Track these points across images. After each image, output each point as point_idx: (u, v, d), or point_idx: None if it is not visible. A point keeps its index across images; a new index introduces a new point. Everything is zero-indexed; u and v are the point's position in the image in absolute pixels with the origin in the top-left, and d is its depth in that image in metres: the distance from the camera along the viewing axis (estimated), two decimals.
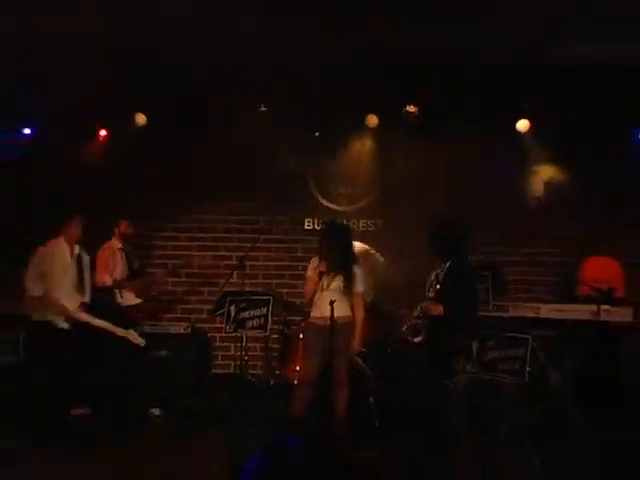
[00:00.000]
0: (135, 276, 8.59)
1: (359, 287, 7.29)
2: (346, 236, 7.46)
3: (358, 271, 7.31)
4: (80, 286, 7.89)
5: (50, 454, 6.58)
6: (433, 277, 7.30)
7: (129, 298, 8.50)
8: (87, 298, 7.97)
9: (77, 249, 7.96)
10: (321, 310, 7.22)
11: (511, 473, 6.20)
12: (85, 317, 7.71)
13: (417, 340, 7.23)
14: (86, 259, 8.04)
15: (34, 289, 7.80)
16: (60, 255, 7.84)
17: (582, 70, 8.42)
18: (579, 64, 8.39)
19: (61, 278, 7.78)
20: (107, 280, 8.32)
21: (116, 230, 8.46)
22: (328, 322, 6.98)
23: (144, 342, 7.72)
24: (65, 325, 7.66)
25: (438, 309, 7.07)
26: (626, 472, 5.76)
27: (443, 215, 7.76)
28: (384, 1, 7.17)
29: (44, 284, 7.73)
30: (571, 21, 7.41)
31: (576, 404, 7.75)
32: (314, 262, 7.34)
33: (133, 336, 7.68)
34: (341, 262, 7.24)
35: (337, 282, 7.24)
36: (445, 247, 7.23)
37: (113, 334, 7.67)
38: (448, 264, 7.19)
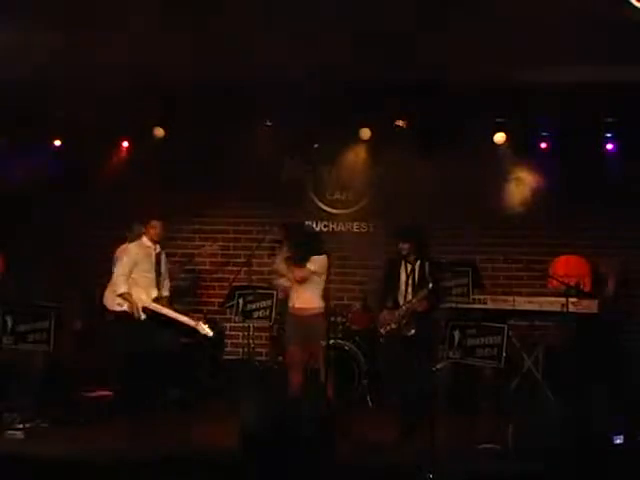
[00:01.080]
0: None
1: (309, 266, 7.59)
2: (309, 234, 8.13)
3: (319, 257, 7.61)
4: (157, 281, 8.23)
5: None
6: (406, 276, 7.69)
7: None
8: (165, 292, 8.34)
9: (158, 248, 8.26)
10: (293, 301, 7.75)
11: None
12: (159, 308, 8.05)
13: (409, 334, 7.59)
14: (164, 257, 8.36)
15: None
16: (139, 252, 8.19)
17: (556, 86, 8.68)
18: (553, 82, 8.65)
19: (139, 273, 8.14)
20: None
21: (145, 230, 8.41)
22: (301, 312, 7.57)
23: (212, 333, 7.93)
24: (142, 316, 8.03)
25: (423, 305, 7.59)
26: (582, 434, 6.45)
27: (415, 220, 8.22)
28: (378, 21, 7.30)
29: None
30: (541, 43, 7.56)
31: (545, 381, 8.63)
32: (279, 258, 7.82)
33: (202, 327, 7.86)
34: (304, 253, 7.64)
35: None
36: (418, 247, 7.73)
37: (184, 324, 7.97)
38: (419, 262, 7.68)
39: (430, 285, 7.58)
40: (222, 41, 7.77)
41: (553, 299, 9.03)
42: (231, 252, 9.70)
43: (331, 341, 7.69)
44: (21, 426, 7.40)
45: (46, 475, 6.04)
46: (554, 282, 9.15)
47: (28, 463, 6.13)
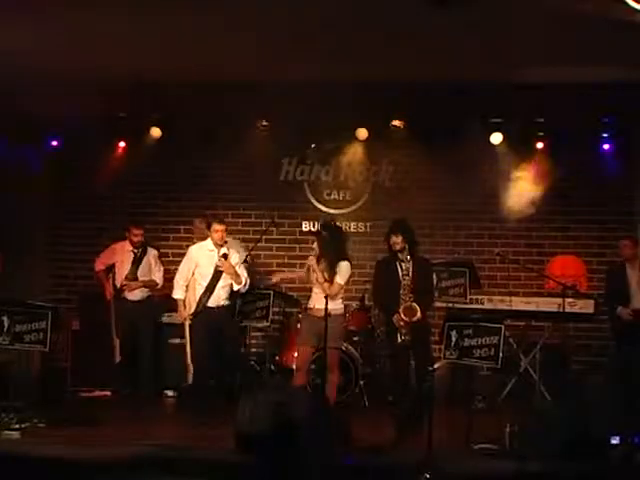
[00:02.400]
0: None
1: (338, 279, 7.55)
2: (338, 235, 7.86)
3: (344, 266, 7.59)
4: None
5: None
6: (402, 272, 7.62)
7: (135, 294, 9.10)
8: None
9: (223, 250, 8.11)
10: (313, 302, 7.68)
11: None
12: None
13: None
14: (235, 258, 8.18)
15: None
16: (199, 253, 8.17)
17: (552, 87, 8.81)
18: (550, 82, 8.74)
19: (200, 273, 8.13)
20: (97, 266, 9.27)
21: (127, 234, 9.05)
22: (320, 313, 7.42)
23: None
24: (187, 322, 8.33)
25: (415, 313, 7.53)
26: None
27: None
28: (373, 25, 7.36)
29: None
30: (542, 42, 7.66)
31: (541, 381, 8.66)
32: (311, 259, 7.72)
33: None
34: (331, 258, 7.61)
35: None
36: (411, 242, 7.70)
37: None
38: (411, 260, 7.63)
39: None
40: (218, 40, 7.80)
41: (550, 299, 9.09)
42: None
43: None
44: (18, 426, 7.36)
45: (42, 475, 6.06)
46: (551, 282, 9.21)
47: (24, 463, 6.15)
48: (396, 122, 9.70)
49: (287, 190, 10.28)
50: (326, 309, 7.32)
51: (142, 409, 8.43)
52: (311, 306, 7.72)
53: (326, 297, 7.38)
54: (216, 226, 8.13)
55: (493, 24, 7.29)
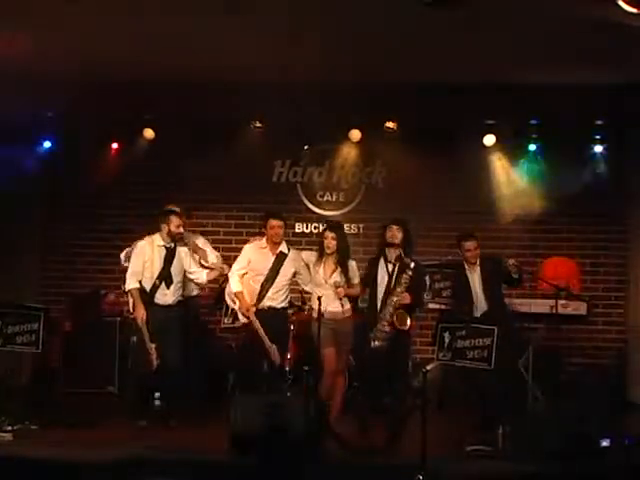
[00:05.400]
0: None
1: (354, 279, 7.58)
2: (344, 235, 7.81)
3: (355, 265, 7.63)
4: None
5: None
6: (385, 275, 7.57)
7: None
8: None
9: (279, 248, 7.86)
10: (325, 304, 7.37)
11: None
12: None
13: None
14: (291, 255, 7.90)
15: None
16: (251, 252, 7.94)
17: (546, 89, 8.70)
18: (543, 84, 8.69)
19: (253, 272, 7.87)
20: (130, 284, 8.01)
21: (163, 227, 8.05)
22: (336, 316, 7.46)
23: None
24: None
25: (406, 297, 7.48)
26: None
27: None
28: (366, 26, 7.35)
29: None
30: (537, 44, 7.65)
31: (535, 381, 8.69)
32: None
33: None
34: (344, 256, 7.56)
35: (335, 277, 7.53)
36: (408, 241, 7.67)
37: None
38: (399, 261, 7.51)
39: (412, 265, 7.46)
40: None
41: (543, 301, 9.17)
42: (222, 253, 9.42)
43: None
44: (10, 428, 7.34)
45: (35, 477, 6.05)
46: (544, 284, 9.23)
47: (17, 465, 6.14)
48: (389, 124, 9.70)
49: (280, 192, 10.24)
50: (319, 310, 7.27)
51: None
52: (323, 309, 7.38)
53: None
54: (271, 223, 7.90)
55: (486, 26, 7.28)
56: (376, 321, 7.50)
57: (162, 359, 7.72)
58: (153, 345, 7.70)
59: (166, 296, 7.96)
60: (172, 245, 8.03)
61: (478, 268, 8.10)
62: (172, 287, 7.97)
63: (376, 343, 7.44)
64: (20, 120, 9.19)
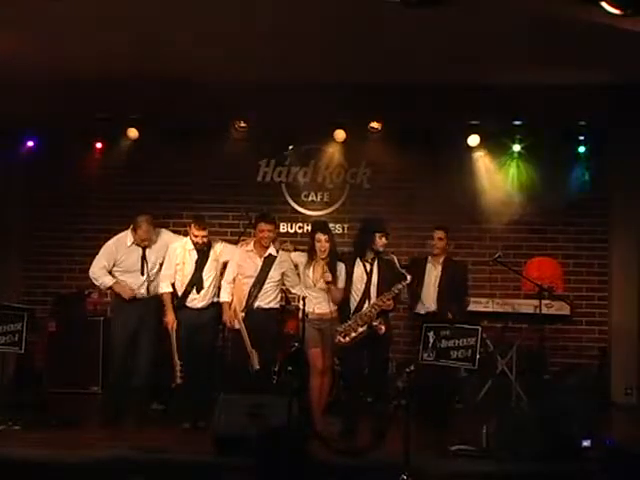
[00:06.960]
0: None
1: (340, 283, 7.39)
2: (333, 236, 7.61)
3: (341, 267, 7.43)
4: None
5: None
6: (363, 273, 7.39)
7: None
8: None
9: (267, 251, 7.70)
10: (312, 306, 7.32)
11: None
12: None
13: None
14: (280, 258, 7.75)
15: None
16: (238, 257, 7.82)
17: (529, 89, 8.86)
18: (527, 84, 8.80)
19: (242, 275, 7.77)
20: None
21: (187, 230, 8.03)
22: (323, 317, 7.37)
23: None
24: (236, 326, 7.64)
25: (389, 304, 7.33)
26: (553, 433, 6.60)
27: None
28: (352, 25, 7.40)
29: None
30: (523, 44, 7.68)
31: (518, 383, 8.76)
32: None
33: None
34: (333, 258, 7.42)
35: (327, 278, 7.33)
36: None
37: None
38: (377, 259, 7.40)
39: (408, 278, 7.35)
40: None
41: (527, 301, 9.21)
42: None
43: None
44: None
45: (18, 478, 6.03)
46: (528, 284, 9.26)
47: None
48: (374, 124, 9.72)
49: (265, 192, 10.19)
50: (303, 310, 7.21)
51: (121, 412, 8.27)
52: (310, 310, 7.32)
53: (303, 299, 7.22)
54: (260, 226, 7.80)
55: (470, 26, 7.34)
56: (348, 318, 7.36)
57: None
58: (179, 362, 7.65)
59: (195, 300, 7.88)
60: (204, 249, 7.91)
61: (440, 267, 8.21)
62: (202, 292, 7.88)
63: (341, 340, 7.29)
64: (2, 119, 9.14)
